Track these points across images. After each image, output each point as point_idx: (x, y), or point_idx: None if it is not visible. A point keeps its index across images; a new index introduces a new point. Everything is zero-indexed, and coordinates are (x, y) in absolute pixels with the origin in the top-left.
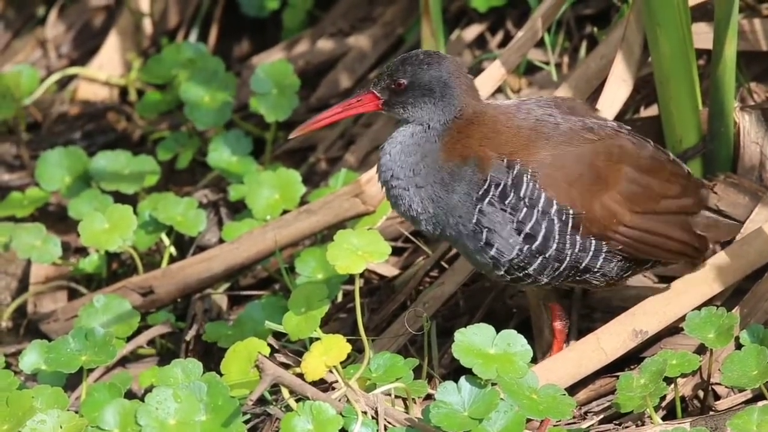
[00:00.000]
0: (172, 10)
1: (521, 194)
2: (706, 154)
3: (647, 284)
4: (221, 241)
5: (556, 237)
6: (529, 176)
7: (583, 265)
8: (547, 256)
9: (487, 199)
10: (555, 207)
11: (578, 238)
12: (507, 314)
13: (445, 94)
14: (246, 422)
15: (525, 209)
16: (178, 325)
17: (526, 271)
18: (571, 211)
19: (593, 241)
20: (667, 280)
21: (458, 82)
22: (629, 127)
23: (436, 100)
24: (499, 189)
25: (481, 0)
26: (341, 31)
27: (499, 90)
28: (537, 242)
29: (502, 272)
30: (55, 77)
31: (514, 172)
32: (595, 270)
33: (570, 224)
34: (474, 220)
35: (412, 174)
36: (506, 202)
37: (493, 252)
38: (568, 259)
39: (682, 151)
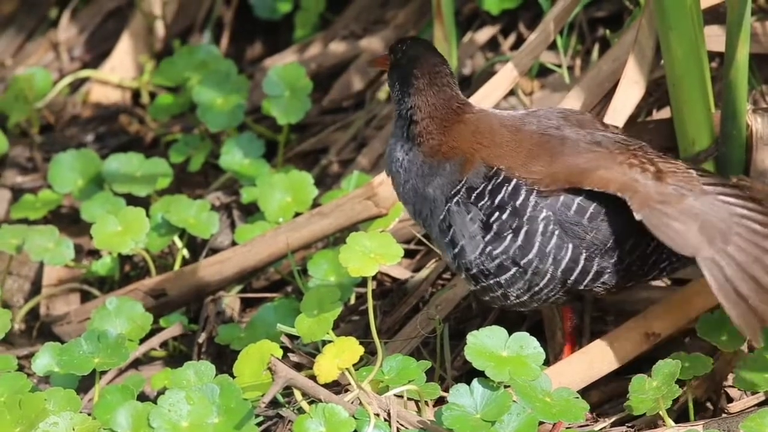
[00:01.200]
0: (184, 13)
1: (499, 198)
2: (719, 157)
3: (659, 286)
4: (234, 243)
5: (536, 248)
6: (514, 183)
7: (572, 278)
8: (522, 267)
9: (456, 198)
10: (541, 213)
11: (569, 250)
12: (519, 317)
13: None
14: (259, 424)
15: (498, 212)
16: (191, 328)
17: (497, 280)
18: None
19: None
20: (679, 282)
21: (445, 75)
22: (639, 142)
23: (414, 92)
24: (474, 192)
25: (494, 2)
26: (353, 34)
27: (512, 93)
28: (512, 247)
29: (465, 275)
30: (68, 80)
31: (498, 179)
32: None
33: (555, 234)
34: (441, 217)
35: (408, 163)
36: (479, 204)
37: (456, 250)
38: (548, 275)
39: (694, 153)
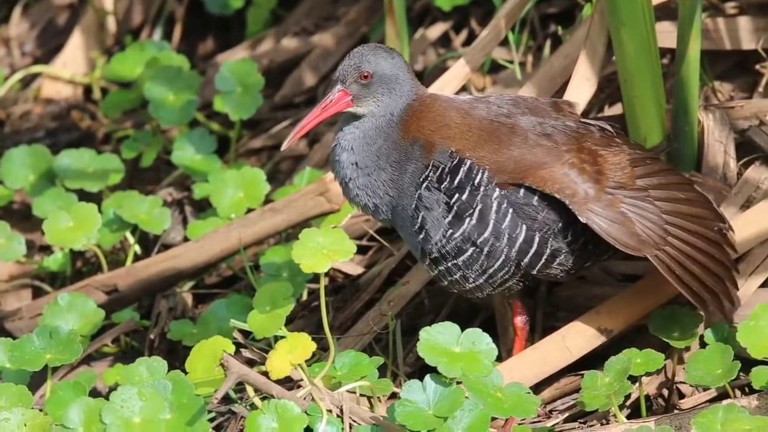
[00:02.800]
0: (136, 9)
1: (457, 179)
2: (671, 153)
3: (612, 283)
4: (186, 239)
5: (491, 226)
6: (468, 164)
7: (526, 260)
8: (478, 246)
9: (425, 184)
10: (494, 192)
11: (522, 230)
12: (472, 312)
13: (405, 79)
14: (211, 420)
15: (458, 193)
16: (143, 324)
17: (455, 262)
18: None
19: (536, 236)
20: (632, 279)
21: (409, 69)
22: (592, 124)
23: (401, 85)
24: (437, 173)
25: None
26: (305, 30)
27: (464, 89)
28: (463, 227)
29: (428, 261)
30: (19, 75)
31: (455, 161)
32: (542, 266)
33: (509, 213)
34: (413, 205)
35: (377, 158)
36: (442, 186)
37: (421, 236)
38: (503, 256)
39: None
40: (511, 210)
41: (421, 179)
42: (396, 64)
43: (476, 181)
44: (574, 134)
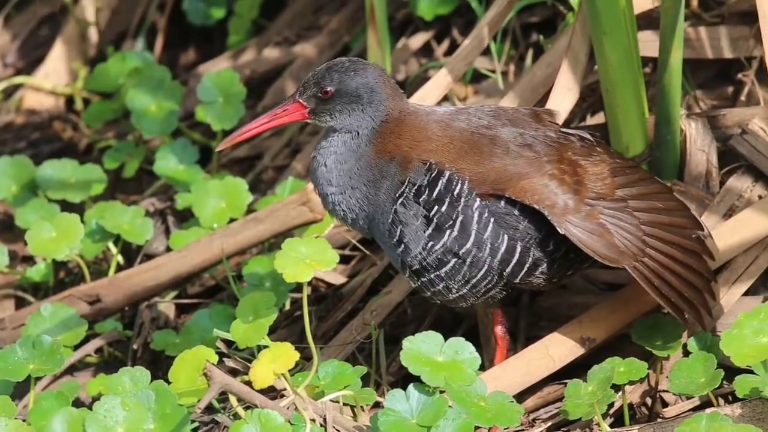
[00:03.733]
0: (117, 19)
1: (436, 191)
2: (653, 162)
3: (595, 292)
4: (168, 249)
5: (472, 237)
6: (448, 175)
7: (508, 270)
8: (461, 257)
9: (401, 200)
10: (475, 202)
11: (504, 240)
12: (455, 322)
13: (372, 99)
14: (194, 430)
15: (437, 205)
16: (126, 334)
17: (438, 273)
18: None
19: (518, 245)
20: (614, 287)
21: (384, 87)
22: (572, 133)
23: (364, 106)
24: (414, 188)
25: (427, 8)
26: (287, 40)
27: (446, 98)
28: (444, 239)
29: (409, 272)
30: (1, 86)
31: (433, 173)
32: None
33: (491, 223)
34: (390, 219)
35: (348, 178)
36: (420, 199)
37: (401, 249)
38: (485, 267)
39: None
40: (492, 220)
41: (397, 195)
42: (365, 83)
43: (456, 192)
44: (555, 144)
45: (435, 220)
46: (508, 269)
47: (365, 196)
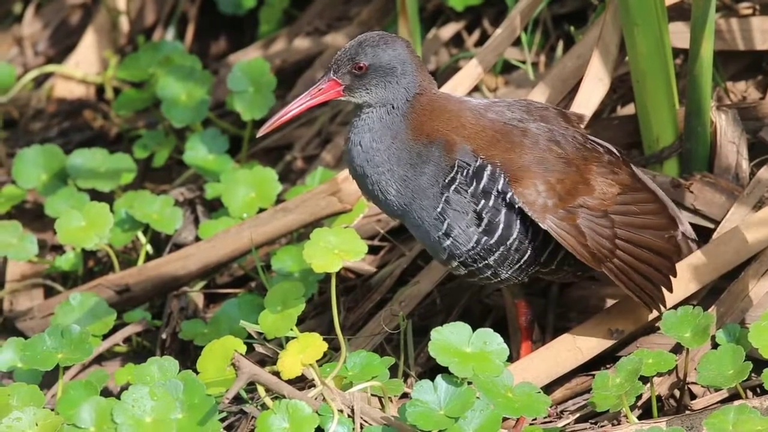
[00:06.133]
0: (148, 8)
1: (483, 184)
2: (683, 154)
3: None
4: (197, 239)
5: (517, 226)
6: (491, 168)
7: (544, 257)
8: (507, 245)
9: (453, 186)
10: (515, 199)
11: (540, 232)
12: (483, 313)
13: (405, 71)
14: (222, 420)
15: (484, 200)
16: (154, 323)
17: (486, 262)
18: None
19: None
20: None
21: (414, 59)
22: (601, 144)
23: (398, 77)
24: (464, 174)
25: None
26: (318, 30)
27: (476, 89)
28: (497, 234)
29: (456, 263)
30: (32, 75)
31: (477, 162)
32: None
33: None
34: (439, 209)
35: (387, 158)
36: (469, 190)
37: (448, 242)
38: (530, 251)
39: (659, 150)
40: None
41: (447, 180)
42: (397, 55)
43: (500, 186)
44: (582, 149)
45: (484, 215)
46: (544, 255)
47: (402, 179)
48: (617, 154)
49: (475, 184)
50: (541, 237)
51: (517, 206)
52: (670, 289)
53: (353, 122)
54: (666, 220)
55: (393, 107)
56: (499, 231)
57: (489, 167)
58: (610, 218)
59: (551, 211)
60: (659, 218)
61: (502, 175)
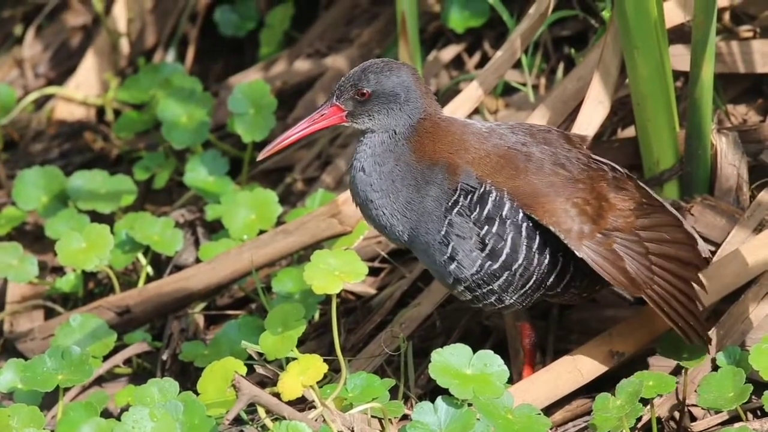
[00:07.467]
0: (149, 30)
1: (487, 209)
2: (683, 176)
3: (624, 306)
4: (198, 260)
5: (523, 251)
6: (495, 194)
7: (550, 281)
8: (512, 270)
9: (456, 209)
10: (519, 216)
11: (546, 255)
12: (483, 334)
13: (409, 98)
14: None
15: (487, 226)
16: (155, 345)
17: (491, 287)
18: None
19: (560, 259)
20: (643, 301)
21: (419, 85)
22: (605, 162)
23: (402, 104)
24: (468, 199)
25: (458, 21)
26: (318, 52)
27: (477, 111)
28: (501, 259)
29: (461, 288)
30: (33, 96)
31: (482, 188)
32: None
33: (536, 240)
34: (443, 232)
35: (391, 182)
36: (472, 215)
37: (453, 266)
38: (535, 276)
39: (659, 172)
40: (538, 231)
41: (450, 203)
42: (401, 82)
43: (504, 213)
44: (587, 169)
45: (488, 240)
46: (551, 279)
47: (408, 201)
48: (621, 171)
49: (479, 209)
50: (548, 262)
51: (523, 232)
52: (706, 327)
53: (356, 149)
54: (685, 234)
55: (395, 132)
56: (503, 257)
57: (494, 193)
58: (640, 236)
59: (588, 237)
60: (680, 231)
61: (508, 201)
